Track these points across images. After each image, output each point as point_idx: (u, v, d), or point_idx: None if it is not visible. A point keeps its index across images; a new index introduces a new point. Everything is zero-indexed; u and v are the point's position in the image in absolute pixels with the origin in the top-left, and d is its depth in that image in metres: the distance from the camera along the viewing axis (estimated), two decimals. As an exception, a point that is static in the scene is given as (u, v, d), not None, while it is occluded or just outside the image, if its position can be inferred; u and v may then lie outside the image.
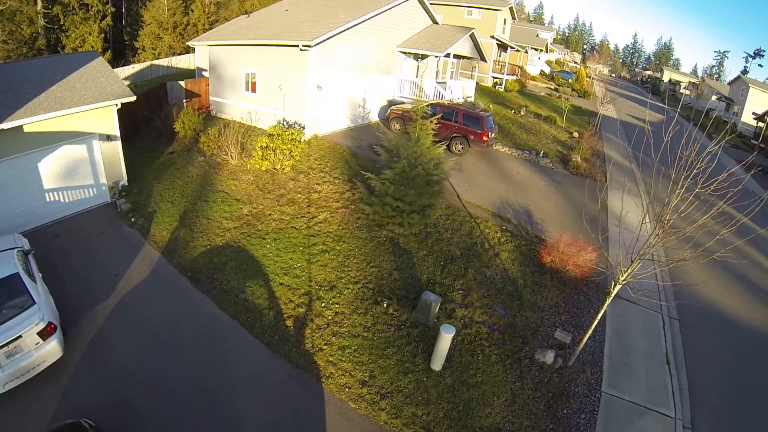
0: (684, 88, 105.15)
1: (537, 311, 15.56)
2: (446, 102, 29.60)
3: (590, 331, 13.31)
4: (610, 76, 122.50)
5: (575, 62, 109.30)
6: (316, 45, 24.03)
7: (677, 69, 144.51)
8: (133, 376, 12.09)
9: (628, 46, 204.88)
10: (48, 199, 18.99)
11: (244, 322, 14.04)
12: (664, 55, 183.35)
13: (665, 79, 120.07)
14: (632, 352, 14.77)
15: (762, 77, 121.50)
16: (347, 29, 25.98)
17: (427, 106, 27.04)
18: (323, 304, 14.65)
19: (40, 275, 13.64)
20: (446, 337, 12.08)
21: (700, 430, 12.45)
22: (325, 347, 13.21)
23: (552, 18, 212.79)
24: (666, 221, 11.32)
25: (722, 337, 16.40)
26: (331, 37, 24.91)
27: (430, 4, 33.91)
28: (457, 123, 26.56)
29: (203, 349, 13.04)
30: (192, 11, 62.85)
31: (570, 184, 26.33)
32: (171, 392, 11.70)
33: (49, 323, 11.61)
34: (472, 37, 36.38)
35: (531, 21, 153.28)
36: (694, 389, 13.70)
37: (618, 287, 12.31)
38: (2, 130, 16.66)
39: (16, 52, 47.99)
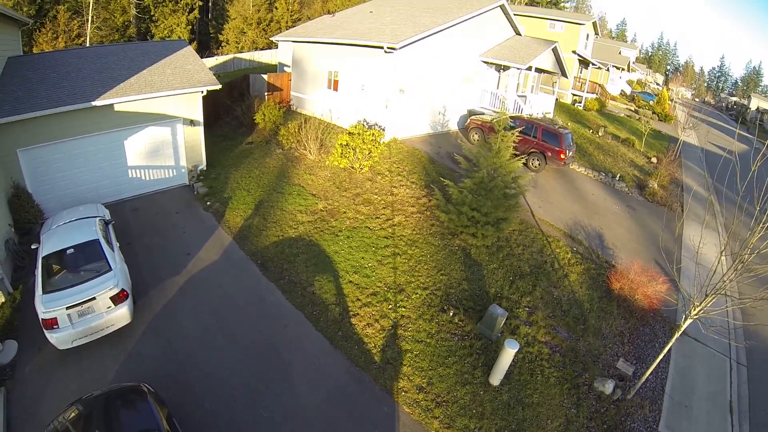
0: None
1: (600, 338, 15.34)
2: (526, 116, 29.43)
3: (654, 366, 13.01)
4: (693, 100, 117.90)
5: (657, 83, 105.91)
6: (400, 48, 24.39)
7: (767, 96, 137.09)
8: (193, 352, 12.69)
9: (713, 69, 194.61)
10: (130, 176, 20.40)
11: (309, 315, 14.45)
12: (752, 80, 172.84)
13: (752, 106, 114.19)
14: (695, 394, 14.15)
15: None
16: (431, 34, 26.24)
17: (509, 118, 27.10)
18: (390, 306, 14.96)
19: (118, 245, 14.65)
20: (510, 352, 12.14)
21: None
22: (387, 349, 13.48)
23: (635, 35, 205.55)
24: (747, 255, 10.88)
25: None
26: (416, 41, 25.27)
27: (514, 15, 33.66)
28: (536, 138, 26.40)
29: (266, 335, 13.51)
30: (276, 8, 65.12)
31: (645, 211, 25.74)
32: (228, 373, 12.19)
33: (122, 290, 12.47)
34: (555, 51, 35.84)
35: (613, 37, 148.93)
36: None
37: (688, 321, 11.97)
38: (95, 107, 18.04)
39: (109, 38, 51.42)
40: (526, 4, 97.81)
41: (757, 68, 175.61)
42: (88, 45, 46.35)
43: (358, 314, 14.58)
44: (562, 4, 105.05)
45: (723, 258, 11.35)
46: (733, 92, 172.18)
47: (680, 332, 12.48)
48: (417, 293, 15.61)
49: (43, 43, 44.49)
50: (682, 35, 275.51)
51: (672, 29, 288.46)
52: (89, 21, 48.59)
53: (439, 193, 18.57)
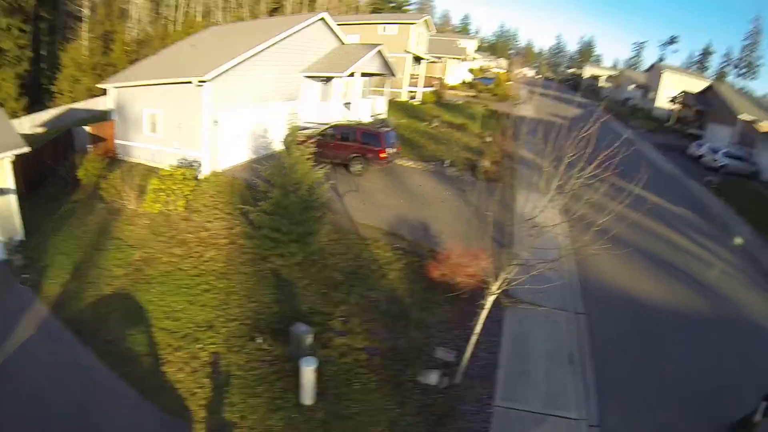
0: (603, 81, 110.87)
1: (424, 330, 15.41)
2: (348, 123, 29.70)
3: (470, 346, 13.08)
4: (536, 77, 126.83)
5: (501, 68, 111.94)
6: (211, 80, 23.88)
7: (598, 65, 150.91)
8: (10, 432, 11.80)
9: (552, 47, 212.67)
10: (-63, 261, 18.27)
11: (122, 372, 13.73)
12: (586, 52, 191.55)
13: (586, 75, 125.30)
14: (532, 358, 14.52)
15: (679, 63, 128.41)
16: (244, 60, 25.97)
17: (329, 127, 27.25)
18: (200, 346, 14.45)
19: None
20: (307, 371, 11.93)
21: (609, 426, 12.28)
22: (198, 390, 13.01)
23: (478, 28, 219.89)
24: (534, 215, 11.56)
25: (634, 323, 16.32)
26: (228, 69, 24.82)
27: (348, 23, 33.99)
28: (356, 142, 26.58)
29: (81, 401, 12.72)
30: (112, 50, 61.86)
31: (476, 191, 26.33)
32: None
33: None
34: (380, 53, 36.70)
35: (457, 32, 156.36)
36: (602, 384, 13.50)
37: (491, 298, 12.30)
38: None
39: (-72, 98, 46.27)
40: (371, 11, 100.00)
41: (589, 41, 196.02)
42: None
43: (170, 360, 14.01)
44: (404, 8, 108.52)
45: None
46: (571, 66, 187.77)
47: (486, 311, 12.66)
48: (226, 326, 15.19)
49: None
50: (522, 22, 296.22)
51: (514, 18, 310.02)
52: None
53: (243, 220, 18.19)
